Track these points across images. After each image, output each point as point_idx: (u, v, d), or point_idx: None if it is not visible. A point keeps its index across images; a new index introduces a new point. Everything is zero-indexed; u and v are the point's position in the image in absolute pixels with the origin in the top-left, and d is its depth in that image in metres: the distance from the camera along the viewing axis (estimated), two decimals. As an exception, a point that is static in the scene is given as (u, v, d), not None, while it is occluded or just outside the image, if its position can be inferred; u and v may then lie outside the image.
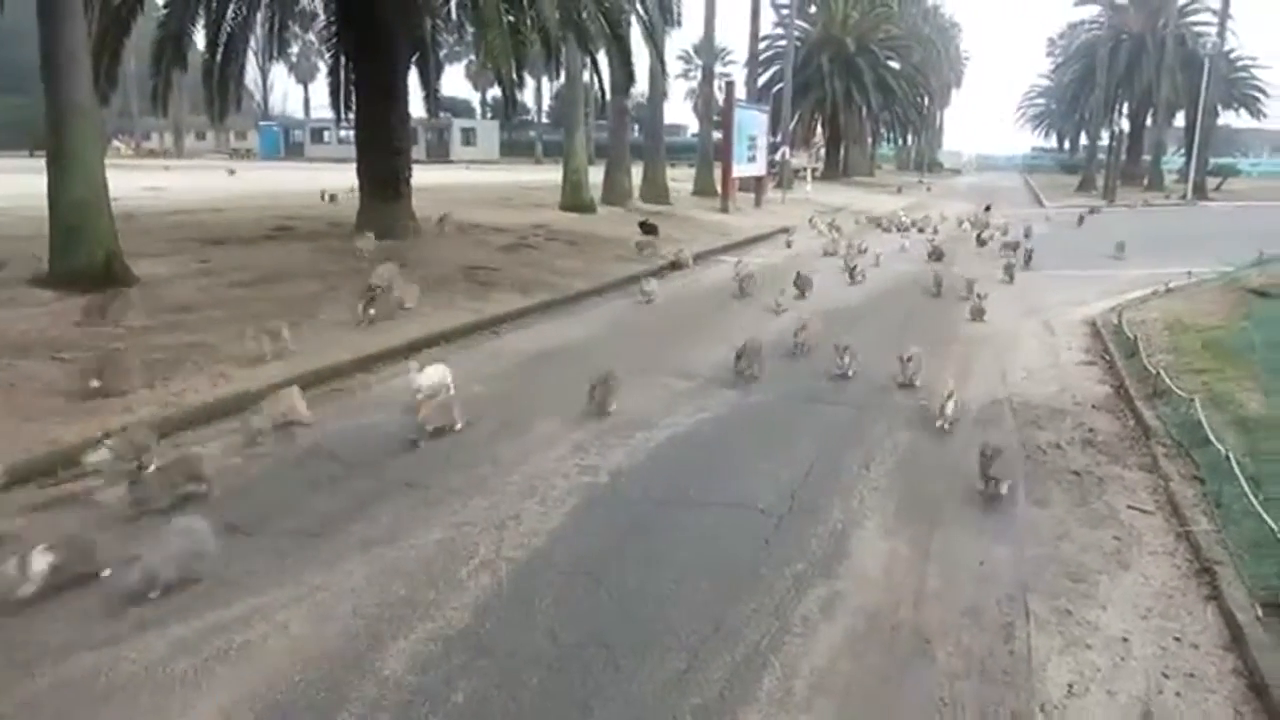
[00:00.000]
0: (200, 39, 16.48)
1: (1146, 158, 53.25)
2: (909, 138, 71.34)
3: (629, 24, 18.49)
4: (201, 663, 3.68)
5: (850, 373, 8.07)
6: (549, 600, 4.20)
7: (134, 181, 25.59)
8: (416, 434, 6.29)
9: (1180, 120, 53.96)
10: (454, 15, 18.86)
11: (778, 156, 34.29)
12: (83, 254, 9.70)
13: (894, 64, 51.57)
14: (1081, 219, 25.32)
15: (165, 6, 15.76)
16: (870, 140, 64.27)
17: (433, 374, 7.04)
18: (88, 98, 9.82)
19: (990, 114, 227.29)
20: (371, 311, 9.23)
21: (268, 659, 3.72)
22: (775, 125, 35.13)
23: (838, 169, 53.69)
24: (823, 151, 50.26)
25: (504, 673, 3.64)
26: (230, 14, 16.28)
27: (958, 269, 15.37)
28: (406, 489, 5.48)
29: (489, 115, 77.75)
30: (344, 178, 21.48)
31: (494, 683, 3.58)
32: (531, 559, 4.61)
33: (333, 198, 20.17)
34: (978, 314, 10.88)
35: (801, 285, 12.54)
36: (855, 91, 48.71)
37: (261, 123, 73.20)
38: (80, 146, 9.73)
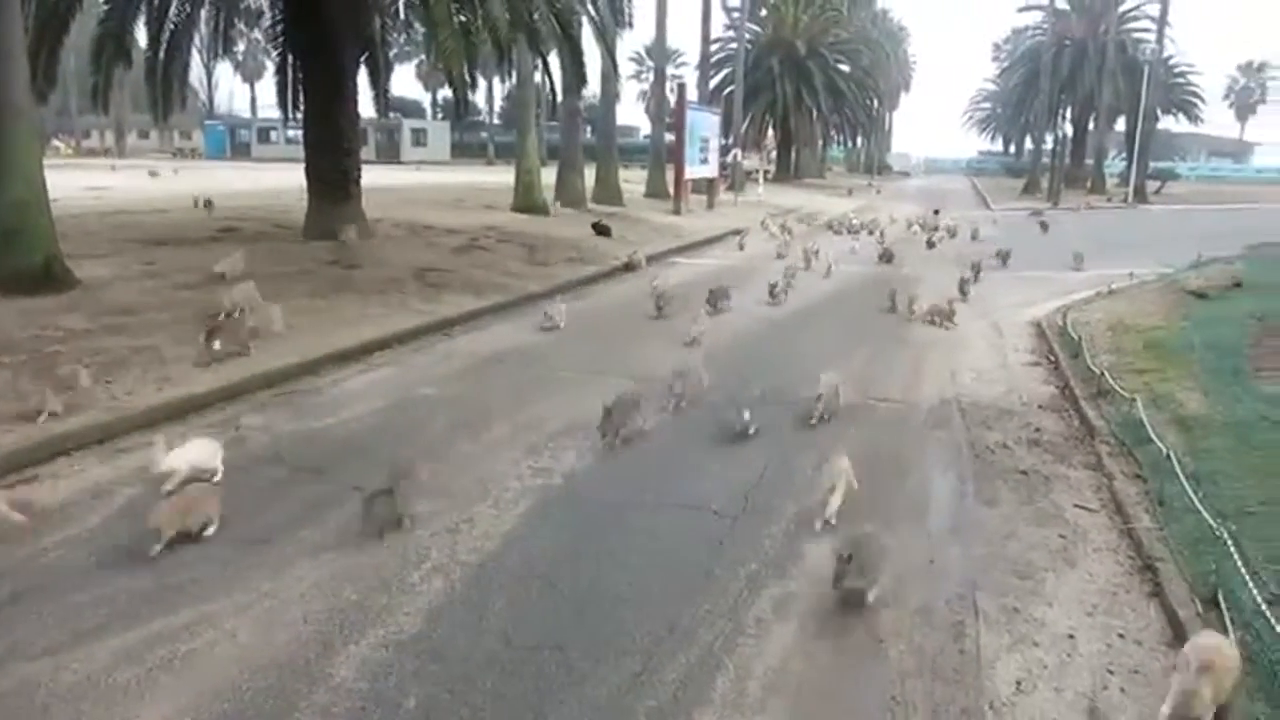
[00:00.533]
0: (142, 35, 16.14)
1: (1089, 161, 54.65)
2: (859, 140, 72.20)
3: (580, 25, 18.50)
4: (145, 672, 3.60)
5: (752, 430, 6.55)
6: (502, 603, 4.18)
7: (75, 181, 24.95)
8: (148, 543, 4.54)
9: (1121, 125, 55.29)
10: (403, 15, 18.70)
11: (730, 158, 34.49)
12: (21, 256, 9.41)
13: (844, 67, 52.14)
14: (1045, 226, 24.80)
15: (106, 2, 15.38)
16: (821, 143, 64.90)
17: (190, 453, 5.34)
18: (24, 96, 9.53)
19: (938, 118, 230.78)
20: (216, 344, 7.66)
21: (215, 667, 3.65)
22: (727, 127, 35.34)
23: (789, 171, 54.15)
24: (774, 154, 50.64)
25: (456, 678, 3.61)
26: (173, 10, 15.94)
27: (907, 270, 15.61)
28: (355, 493, 5.41)
29: (440, 116, 77.12)
30: (289, 177, 21.17)
31: (446, 688, 3.55)
32: (485, 562, 4.58)
33: (208, 204, 18.68)
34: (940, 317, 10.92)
35: (715, 299, 11.29)
36: (806, 94, 49.13)
37: (207, 122, 71.87)
38: (17, 146, 9.43)
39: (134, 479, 5.55)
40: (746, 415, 6.53)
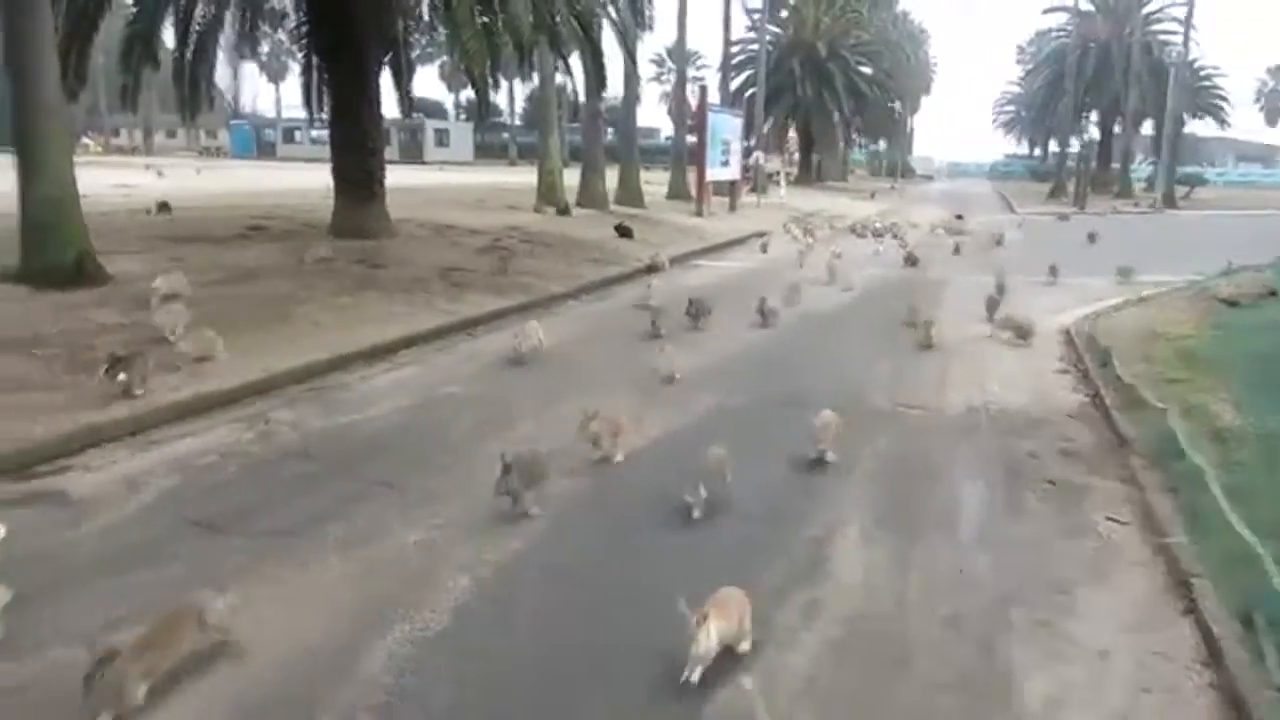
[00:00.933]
0: (170, 37, 16.29)
1: (1115, 165, 54.06)
2: (881, 143, 71.91)
3: (601, 27, 18.50)
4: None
5: (696, 513, 5.06)
6: (530, 603, 4.18)
7: (104, 179, 25.18)
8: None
9: (1148, 128, 54.81)
10: (427, 16, 18.77)
11: (751, 160, 34.43)
12: (54, 252, 9.52)
13: (865, 69, 51.98)
14: (1094, 237, 22.32)
15: (135, 4, 15.53)
16: (842, 145, 64.70)
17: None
18: (55, 95, 9.65)
19: (962, 121, 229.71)
20: (122, 377, 6.46)
21: (244, 657, 3.67)
22: (749, 129, 35.26)
23: (811, 174, 54.02)
24: (796, 156, 50.55)
25: (484, 675, 3.62)
26: (200, 12, 16.09)
27: (934, 274, 15.52)
28: (381, 489, 5.43)
29: (463, 117, 77.41)
30: (314, 176, 21.32)
31: (473, 686, 3.56)
32: (510, 562, 4.58)
33: (163, 206, 17.58)
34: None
35: (696, 312, 10.37)
36: (827, 96, 49.04)
37: (233, 121, 72.45)
38: (49, 144, 9.56)
39: (165, 470, 5.60)
40: (701, 491, 5.08)
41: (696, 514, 5.06)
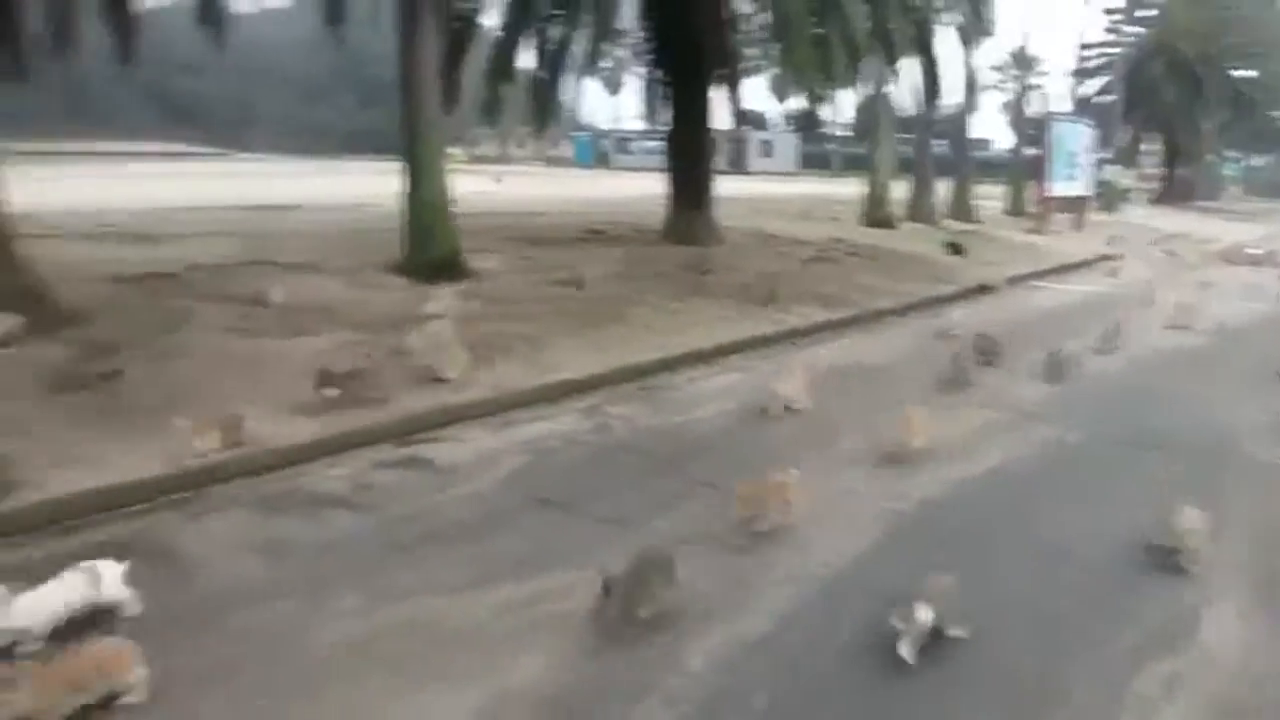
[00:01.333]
0: (525, 58, 17.89)
1: None
2: (1262, 158, 63.12)
3: (936, 33, 17.86)
4: (521, 625, 3.98)
5: (903, 651, 3.73)
6: (849, 621, 4.13)
7: (466, 185, 28.14)
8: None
9: None
10: (760, 30, 19.11)
11: (1103, 175, 31.59)
12: (432, 249, 10.87)
13: (1246, 73, 45.80)
14: None
15: (501, 30, 17.22)
16: (1213, 159, 57.46)
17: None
18: (436, 112, 11.00)
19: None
20: (334, 392, 6.48)
21: (580, 631, 3.93)
22: (1101, 141, 32.42)
23: (1174, 191, 48.52)
24: (1157, 171, 45.70)
25: (803, 687, 3.63)
26: (553, 34, 17.54)
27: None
28: (706, 489, 5.60)
29: (788, 127, 77.88)
30: (646, 185, 22.38)
31: (793, 694, 3.58)
32: (834, 578, 4.55)
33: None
34: None
35: (1054, 368, 8.63)
36: (1195, 104, 43.81)
37: (573, 132, 77.90)
38: (430, 155, 10.94)
39: (516, 450, 6.19)
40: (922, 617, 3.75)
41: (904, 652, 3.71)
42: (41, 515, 4.79)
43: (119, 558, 3.94)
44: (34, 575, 3.78)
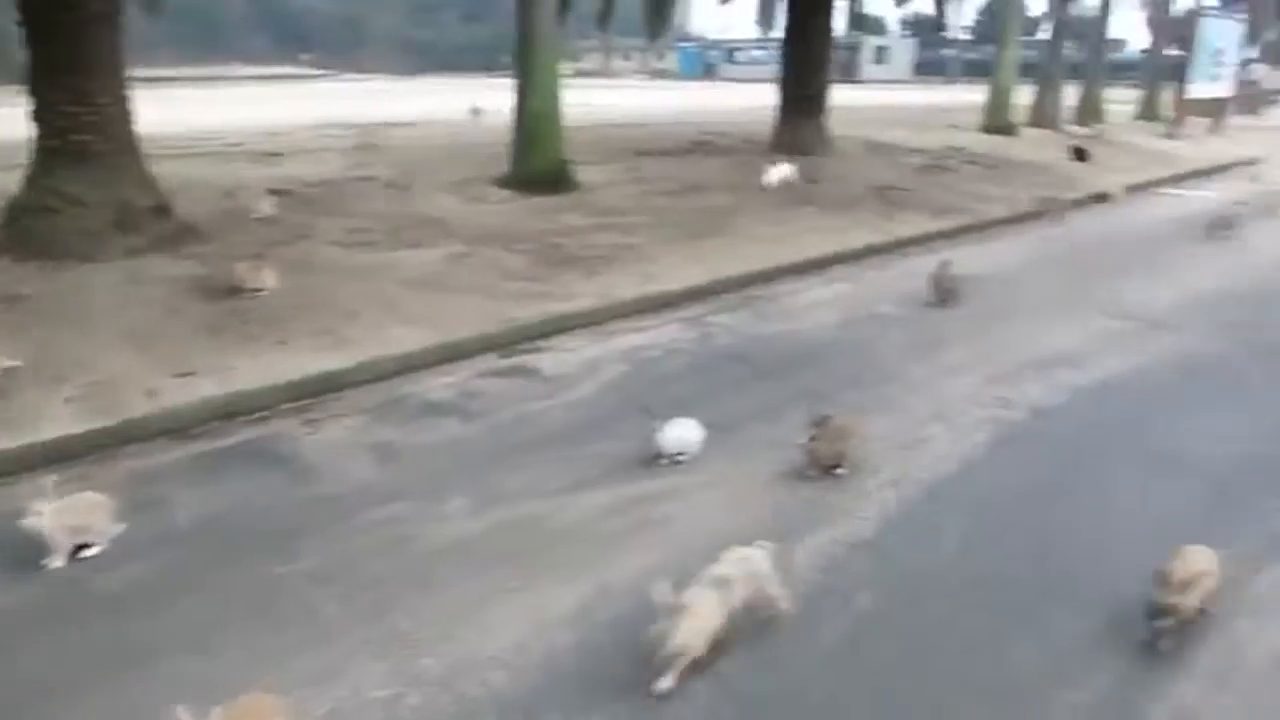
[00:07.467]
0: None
1: None
2: None
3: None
4: (628, 525, 4.09)
5: None
6: (955, 527, 4.08)
7: (575, 98, 27.98)
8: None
9: None
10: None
11: (1248, 75, 29.14)
12: (539, 160, 10.88)
13: None
14: None
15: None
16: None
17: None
18: (551, 22, 10.82)
19: None
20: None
21: (684, 531, 4.03)
22: (1252, 35, 29.81)
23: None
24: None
25: (905, 591, 3.63)
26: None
27: None
28: (807, 397, 5.56)
29: (907, 33, 74.33)
30: (754, 96, 21.80)
31: (896, 597, 3.58)
32: (938, 483, 4.50)
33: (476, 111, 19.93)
34: None
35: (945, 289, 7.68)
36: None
37: (679, 44, 76.21)
38: (542, 67, 10.82)
39: (618, 358, 6.26)
40: None
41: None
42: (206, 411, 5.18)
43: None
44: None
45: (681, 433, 4.69)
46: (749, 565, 3.27)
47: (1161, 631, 3.18)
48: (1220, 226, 10.46)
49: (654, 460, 4.63)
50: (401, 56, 66.30)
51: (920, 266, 9.03)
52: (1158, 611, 3.15)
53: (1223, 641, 3.30)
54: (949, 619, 3.45)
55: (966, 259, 9.42)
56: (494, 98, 19.80)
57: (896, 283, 8.49)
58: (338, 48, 68.67)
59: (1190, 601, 3.17)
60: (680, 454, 4.66)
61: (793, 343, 6.74)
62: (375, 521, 4.13)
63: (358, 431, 5.15)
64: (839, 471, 4.48)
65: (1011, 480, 4.56)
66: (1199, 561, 3.26)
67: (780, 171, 10.88)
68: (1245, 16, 27.35)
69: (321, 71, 60.64)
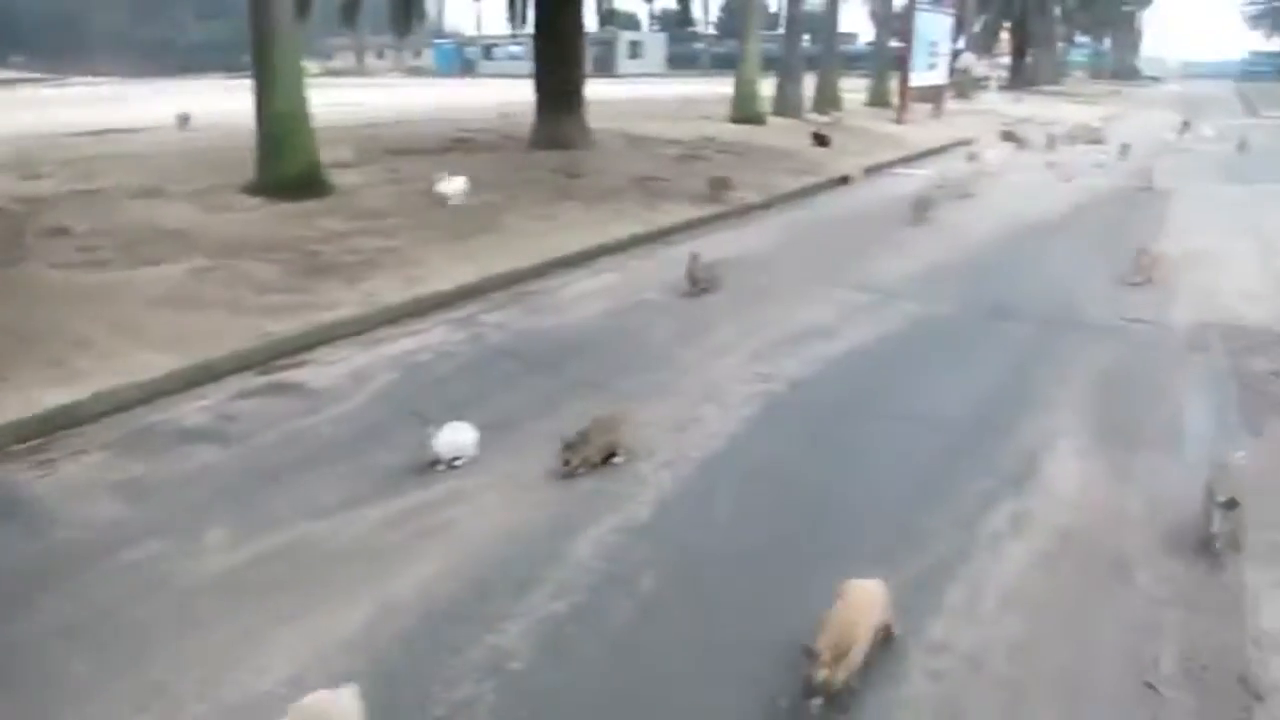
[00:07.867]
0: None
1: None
2: (1105, 42, 65.62)
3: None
4: (406, 537, 3.96)
5: None
6: (728, 500, 4.27)
7: (325, 98, 26.76)
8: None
9: None
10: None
11: (959, 64, 32.30)
12: (286, 163, 10.27)
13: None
14: None
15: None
16: (1060, 45, 59.40)
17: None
18: (289, 17, 10.23)
19: (1200, 17, 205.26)
20: None
21: (466, 537, 3.96)
22: (958, 29, 33.00)
23: (1022, 77, 50.05)
24: (1006, 58, 46.99)
25: (686, 566, 3.75)
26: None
27: (1162, 183, 14.18)
28: (584, 388, 5.63)
29: (656, 27, 76.63)
30: (512, 92, 21.77)
31: (677, 575, 3.69)
32: (711, 459, 4.69)
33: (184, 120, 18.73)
34: None
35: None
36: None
37: (436, 41, 74.77)
38: (283, 64, 10.19)
39: (388, 366, 6.05)
40: None
41: None
42: None
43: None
44: None
45: (454, 436, 4.60)
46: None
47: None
48: (923, 208, 11.24)
49: (430, 467, 4.53)
50: (137, 57, 60.73)
51: (683, 254, 9.35)
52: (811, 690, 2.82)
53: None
54: (725, 591, 3.60)
55: (724, 244, 9.87)
56: (221, 101, 18.54)
57: (661, 270, 8.73)
58: (54, 48, 61.94)
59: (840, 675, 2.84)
60: (456, 457, 4.57)
61: (564, 335, 6.79)
62: (126, 565, 3.78)
63: (100, 468, 4.68)
64: (616, 460, 4.57)
65: (776, 450, 4.83)
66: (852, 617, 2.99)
67: (454, 184, 10.51)
68: (953, 11, 30.28)
69: (44, 75, 54.48)
